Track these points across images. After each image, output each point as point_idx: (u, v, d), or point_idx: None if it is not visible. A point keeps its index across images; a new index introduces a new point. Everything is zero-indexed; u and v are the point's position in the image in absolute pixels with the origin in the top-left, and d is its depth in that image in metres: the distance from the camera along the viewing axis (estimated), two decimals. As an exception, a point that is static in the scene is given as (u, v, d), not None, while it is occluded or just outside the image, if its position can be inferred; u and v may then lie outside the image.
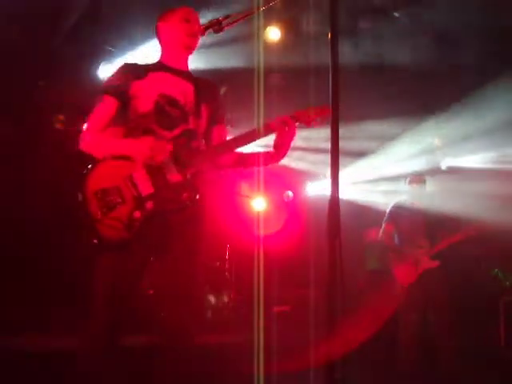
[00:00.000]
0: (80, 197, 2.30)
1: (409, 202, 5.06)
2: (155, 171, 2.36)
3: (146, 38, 5.08)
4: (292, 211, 7.31)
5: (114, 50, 5.61)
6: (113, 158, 2.39)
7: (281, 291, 6.07)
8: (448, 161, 6.88)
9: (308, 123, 2.52)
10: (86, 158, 2.41)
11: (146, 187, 2.34)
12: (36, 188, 5.26)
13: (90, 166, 2.37)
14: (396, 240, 4.97)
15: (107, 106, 2.50)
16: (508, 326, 5.51)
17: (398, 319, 4.82)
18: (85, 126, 2.50)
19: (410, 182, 5.09)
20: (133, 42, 5.35)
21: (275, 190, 7.10)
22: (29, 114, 5.59)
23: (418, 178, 5.12)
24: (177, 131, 2.46)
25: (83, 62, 5.56)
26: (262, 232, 6.24)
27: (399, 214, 4.99)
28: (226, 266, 6.35)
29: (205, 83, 2.68)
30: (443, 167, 6.89)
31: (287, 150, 2.56)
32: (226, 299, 5.97)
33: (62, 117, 6.15)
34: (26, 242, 5.01)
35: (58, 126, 6.16)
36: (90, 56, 5.58)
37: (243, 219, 6.62)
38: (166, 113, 2.48)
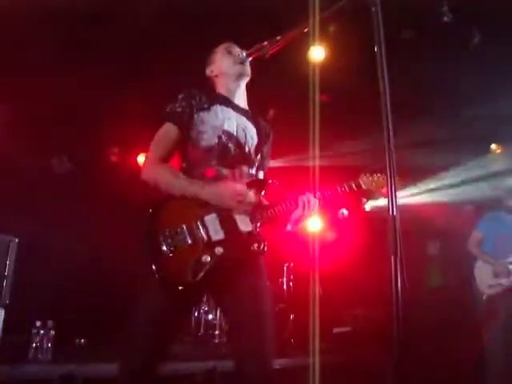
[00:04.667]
0: (147, 233, 2.26)
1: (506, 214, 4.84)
2: (227, 217, 2.30)
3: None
4: (347, 229, 7.20)
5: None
6: (183, 198, 2.30)
7: (340, 312, 5.96)
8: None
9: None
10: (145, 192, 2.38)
11: (216, 232, 2.26)
12: (95, 221, 5.41)
13: (157, 203, 2.33)
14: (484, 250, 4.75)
15: (169, 134, 2.41)
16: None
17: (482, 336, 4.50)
18: (143, 157, 2.42)
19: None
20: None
21: (330, 208, 7.02)
22: (84, 149, 5.81)
23: None
24: (236, 172, 2.41)
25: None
26: (318, 251, 6.18)
27: (493, 226, 4.79)
28: (285, 287, 6.31)
29: (264, 126, 2.64)
30: None
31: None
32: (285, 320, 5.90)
33: (116, 149, 6.34)
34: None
35: (114, 158, 6.36)
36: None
37: (300, 239, 6.57)
38: (228, 150, 2.42)
